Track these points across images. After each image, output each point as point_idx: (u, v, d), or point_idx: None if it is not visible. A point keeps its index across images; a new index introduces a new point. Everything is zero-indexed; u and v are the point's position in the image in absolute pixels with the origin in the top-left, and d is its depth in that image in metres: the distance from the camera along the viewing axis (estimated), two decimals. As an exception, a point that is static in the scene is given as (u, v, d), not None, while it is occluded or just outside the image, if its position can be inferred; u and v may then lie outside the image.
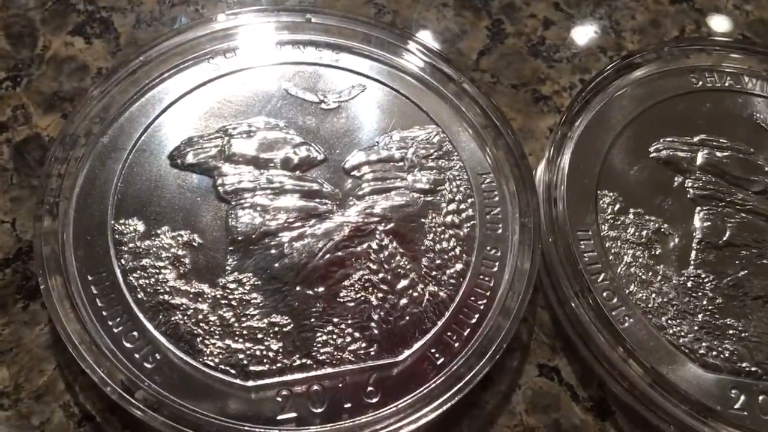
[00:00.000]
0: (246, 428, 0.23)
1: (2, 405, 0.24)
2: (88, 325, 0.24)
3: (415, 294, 0.26)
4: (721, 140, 0.30)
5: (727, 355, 0.26)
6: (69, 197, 0.26)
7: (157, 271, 0.25)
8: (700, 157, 0.30)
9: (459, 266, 0.26)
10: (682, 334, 0.26)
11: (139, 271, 0.25)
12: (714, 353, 0.26)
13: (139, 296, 0.25)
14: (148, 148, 0.28)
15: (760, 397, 0.25)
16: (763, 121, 0.31)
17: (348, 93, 0.30)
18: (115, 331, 0.24)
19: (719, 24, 0.34)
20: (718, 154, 0.30)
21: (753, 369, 0.25)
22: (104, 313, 0.24)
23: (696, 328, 0.26)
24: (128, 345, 0.24)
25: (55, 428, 0.24)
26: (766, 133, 0.31)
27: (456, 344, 0.25)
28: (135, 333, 0.24)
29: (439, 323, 0.25)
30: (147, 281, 0.25)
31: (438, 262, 0.27)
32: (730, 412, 0.25)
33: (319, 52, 0.30)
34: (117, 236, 0.26)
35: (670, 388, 0.25)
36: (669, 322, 0.26)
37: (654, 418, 0.25)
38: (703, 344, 0.26)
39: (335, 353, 0.24)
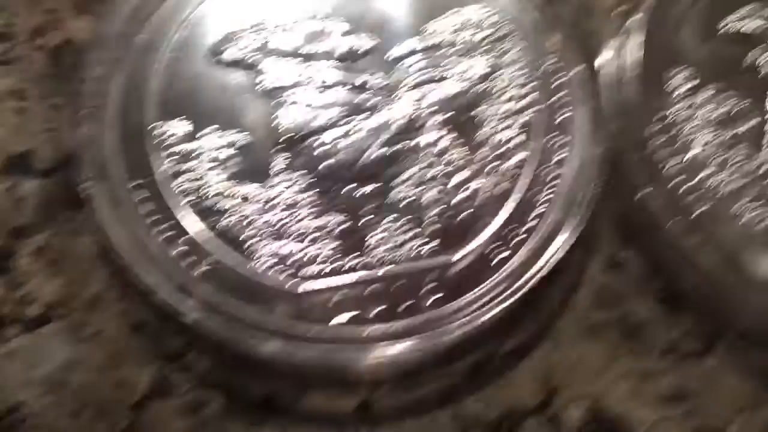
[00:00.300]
0: (302, 331, 0.22)
1: (56, 315, 0.24)
2: (137, 232, 0.24)
3: (473, 189, 0.25)
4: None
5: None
6: (108, 101, 0.26)
7: (203, 173, 0.25)
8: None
9: (521, 155, 0.26)
10: (760, 218, 0.25)
11: (184, 175, 0.25)
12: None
13: (186, 200, 0.24)
14: (185, 46, 0.27)
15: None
16: None
17: (394, -25, 0.28)
18: (164, 236, 0.24)
19: None
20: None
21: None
22: (150, 220, 0.24)
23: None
24: (178, 250, 0.24)
25: (109, 337, 0.24)
26: None
27: (514, 241, 0.24)
28: (183, 239, 0.24)
29: (500, 218, 0.25)
30: (194, 184, 0.25)
31: (498, 152, 0.26)
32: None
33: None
34: (160, 139, 0.25)
35: (747, 276, 0.24)
36: (745, 207, 0.25)
37: (729, 308, 0.25)
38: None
39: (389, 253, 0.24)
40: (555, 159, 0.25)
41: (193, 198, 0.24)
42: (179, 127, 0.25)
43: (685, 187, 0.25)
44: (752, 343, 0.25)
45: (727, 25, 0.28)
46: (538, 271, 0.24)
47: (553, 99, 0.26)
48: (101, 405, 0.23)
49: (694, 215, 0.25)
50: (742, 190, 0.25)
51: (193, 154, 0.25)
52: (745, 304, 0.24)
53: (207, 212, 0.24)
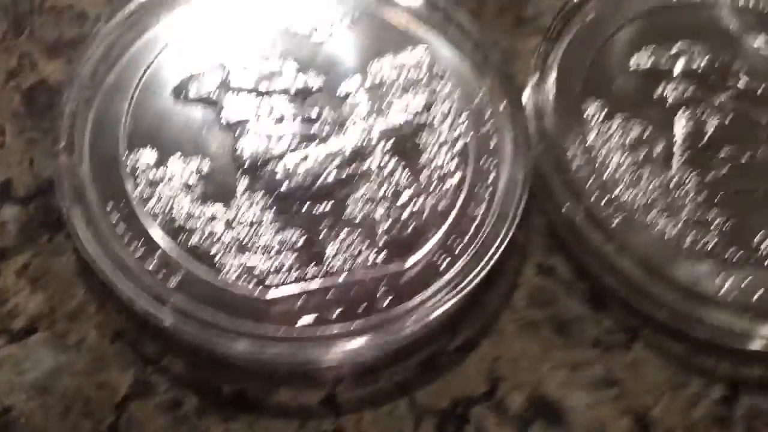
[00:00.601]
0: (270, 332, 0.25)
1: (40, 326, 0.26)
2: (113, 250, 0.26)
3: (417, 206, 0.28)
4: (698, 48, 0.32)
5: (712, 245, 0.28)
6: (82, 134, 0.28)
7: (172, 196, 0.27)
8: (679, 65, 0.32)
9: (456, 178, 0.29)
10: (669, 227, 0.28)
11: (155, 198, 0.27)
12: (699, 244, 0.28)
13: (158, 220, 0.27)
14: (152, 85, 0.30)
15: (746, 280, 0.27)
16: (734, 29, 0.33)
17: (339, 23, 0.31)
18: (138, 254, 0.26)
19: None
20: (696, 61, 0.32)
21: (737, 256, 0.28)
22: (125, 239, 0.26)
23: (682, 222, 0.28)
24: (151, 266, 0.26)
25: (91, 345, 0.26)
26: (736, 39, 0.33)
27: (457, 249, 0.27)
28: (156, 255, 0.26)
29: (441, 231, 0.28)
30: (163, 206, 0.27)
31: (436, 175, 0.29)
32: (718, 295, 0.27)
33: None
34: (131, 167, 0.28)
35: (660, 276, 0.27)
36: (656, 217, 0.28)
37: (645, 305, 0.28)
38: (690, 235, 0.28)
39: (345, 263, 0.27)
40: (488, 179, 0.29)
41: (164, 218, 0.27)
42: (149, 156, 0.28)
43: (603, 201, 0.29)
44: (668, 335, 0.28)
45: (636, 62, 0.32)
46: (478, 275, 0.26)
47: (483, 129, 0.30)
48: (86, 406, 0.25)
49: (611, 226, 0.28)
50: (654, 203, 0.29)
51: (162, 180, 0.28)
52: (657, 302, 0.28)
53: (177, 230, 0.27)
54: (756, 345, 0.27)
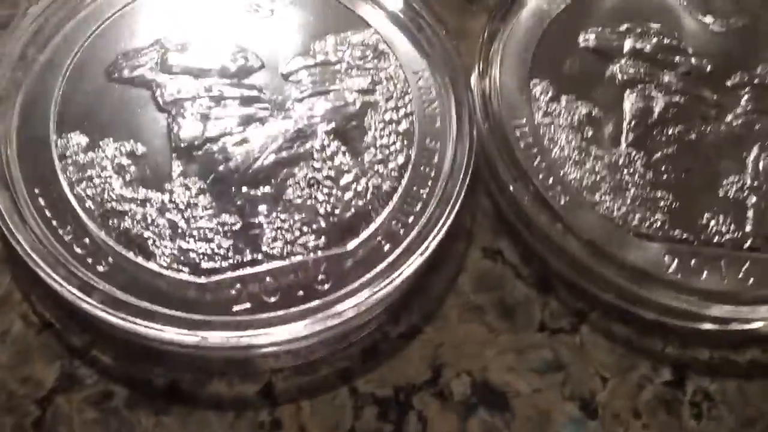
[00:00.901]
0: (203, 319, 0.23)
1: (-41, 318, 0.24)
2: (39, 236, 0.24)
3: (360, 188, 0.26)
4: (646, 27, 0.31)
5: (659, 224, 0.27)
6: (10, 116, 0.26)
7: (103, 180, 0.25)
8: (627, 44, 0.30)
9: (400, 159, 0.27)
10: (616, 207, 0.27)
11: (85, 182, 0.25)
12: (646, 224, 0.27)
13: (87, 205, 0.25)
14: (86, 65, 0.28)
15: (692, 261, 0.26)
16: (684, 7, 0.32)
17: (281, 1, 0.30)
18: (66, 239, 0.24)
19: None
20: (644, 40, 0.30)
21: (684, 236, 0.27)
22: (54, 223, 0.25)
23: (629, 201, 0.27)
24: (80, 251, 0.24)
25: (16, 337, 0.24)
26: (687, 18, 0.31)
27: (401, 231, 0.26)
28: (86, 240, 0.24)
29: (384, 213, 0.26)
30: (94, 191, 0.25)
31: (380, 156, 0.27)
32: (665, 276, 0.26)
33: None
34: (60, 150, 0.26)
35: (607, 257, 0.26)
36: (603, 197, 0.27)
37: (592, 287, 0.26)
38: (636, 215, 0.27)
39: (285, 247, 0.25)
40: (432, 160, 0.27)
41: (95, 202, 0.25)
42: (79, 139, 0.26)
43: (549, 181, 0.27)
44: (615, 318, 0.27)
45: (584, 41, 0.30)
46: (420, 259, 0.25)
47: (428, 109, 0.28)
48: (9, 401, 0.23)
49: (558, 206, 0.27)
50: (601, 183, 0.27)
51: (93, 163, 0.26)
52: (604, 283, 0.26)
53: (108, 215, 0.25)
54: (702, 326, 0.26)
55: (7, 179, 0.25)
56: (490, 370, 0.25)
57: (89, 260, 0.24)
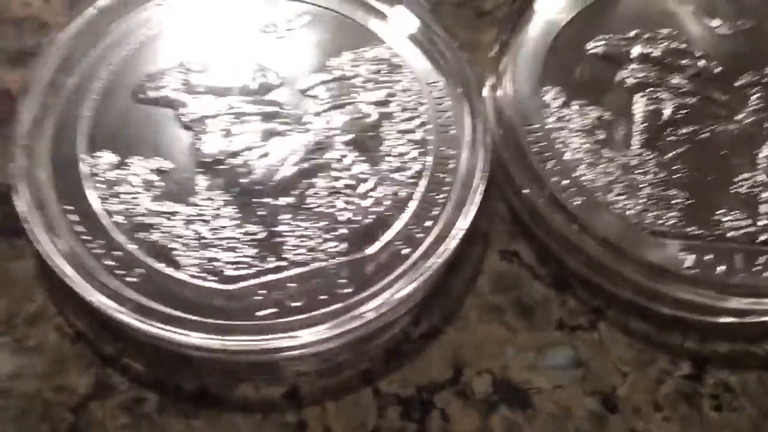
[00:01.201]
0: (231, 325, 0.23)
1: (1, 331, 0.24)
2: (72, 250, 0.24)
3: (378, 195, 0.26)
4: (653, 32, 0.30)
5: (673, 221, 0.26)
6: (41, 139, 0.27)
7: (132, 196, 0.26)
8: (636, 50, 0.30)
9: (416, 167, 0.27)
10: (629, 206, 0.27)
11: (114, 198, 0.26)
12: (661, 221, 0.26)
13: (117, 220, 0.25)
14: (113, 87, 0.28)
15: (708, 256, 0.26)
16: (691, 12, 0.31)
17: (297, 21, 0.30)
18: (97, 252, 0.25)
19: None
20: (652, 45, 0.30)
21: (699, 232, 0.26)
22: (85, 238, 0.25)
23: (642, 200, 0.27)
24: (111, 263, 0.24)
25: (51, 348, 0.24)
26: (695, 23, 0.31)
27: (419, 236, 0.25)
28: (116, 252, 0.25)
29: (402, 220, 0.26)
30: (123, 206, 0.25)
31: (397, 164, 0.27)
32: (682, 271, 0.25)
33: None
34: (91, 168, 0.26)
35: (623, 255, 0.26)
36: (617, 197, 0.27)
37: (609, 285, 0.26)
38: (650, 214, 0.26)
39: (307, 253, 0.25)
40: (447, 167, 0.27)
41: (124, 217, 0.25)
42: (107, 157, 0.26)
43: (563, 184, 0.27)
44: (632, 314, 0.26)
45: (593, 48, 0.30)
46: (438, 262, 0.25)
47: (442, 118, 0.28)
48: (45, 408, 0.23)
49: (572, 207, 0.27)
50: (614, 184, 0.27)
51: (122, 180, 0.26)
52: (622, 280, 0.26)
53: (136, 228, 0.25)
54: (720, 319, 0.25)
55: (40, 199, 0.25)
56: (511, 369, 0.25)
57: (120, 272, 0.24)
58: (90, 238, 0.25)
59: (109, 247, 0.25)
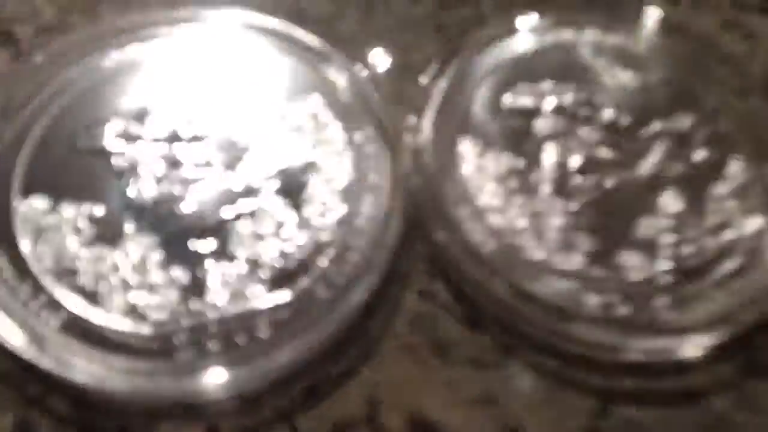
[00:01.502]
0: (151, 367, 0.23)
1: None
2: (-1, 294, 0.24)
3: (300, 240, 0.26)
4: (565, 85, 0.31)
5: (578, 265, 0.27)
6: (-25, 185, 0.26)
7: (61, 241, 0.26)
8: (549, 102, 0.31)
9: (337, 213, 0.27)
10: (538, 251, 0.27)
11: (43, 243, 0.25)
12: (566, 265, 0.27)
13: (44, 265, 0.25)
14: (51, 137, 0.28)
15: (610, 298, 0.26)
16: (603, 64, 0.32)
17: (230, 70, 0.30)
18: (22, 297, 0.24)
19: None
20: (563, 97, 0.31)
21: (602, 275, 0.27)
22: (13, 282, 0.24)
23: (550, 245, 0.27)
24: (36, 307, 0.24)
25: (-27, 390, 0.24)
26: (605, 75, 0.32)
27: (338, 279, 0.26)
28: (42, 297, 0.24)
29: (322, 263, 0.26)
30: (51, 251, 0.25)
31: (319, 211, 0.27)
32: (586, 312, 0.26)
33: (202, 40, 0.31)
34: (23, 213, 0.26)
35: (530, 297, 0.26)
36: (525, 242, 0.27)
37: (519, 323, 0.26)
38: (556, 258, 0.27)
39: (228, 297, 0.25)
40: (367, 213, 0.27)
41: (52, 261, 0.25)
42: (40, 202, 0.26)
43: (476, 229, 0.27)
44: (541, 351, 0.26)
45: (507, 101, 0.31)
46: (356, 304, 0.25)
47: (365, 165, 0.28)
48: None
49: (484, 252, 0.27)
50: (524, 229, 0.28)
51: (53, 225, 0.26)
52: (530, 321, 0.26)
53: (64, 272, 0.25)
54: (624, 357, 0.26)
55: (-30, 242, 0.25)
56: (425, 406, 0.25)
57: (44, 315, 0.24)
58: (18, 280, 0.24)
59: (37, 290, 0.24)
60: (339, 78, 0.31)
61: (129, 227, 0.26)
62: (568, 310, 0.26)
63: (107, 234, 0.26)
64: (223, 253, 0.26)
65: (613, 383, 0.26)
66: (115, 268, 0.25)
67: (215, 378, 0.24)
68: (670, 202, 0.29)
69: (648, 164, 0.30)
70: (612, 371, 0.26)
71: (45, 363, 0.23)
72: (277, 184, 0.28)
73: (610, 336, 0.26)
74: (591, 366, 0.26)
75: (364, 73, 0.31)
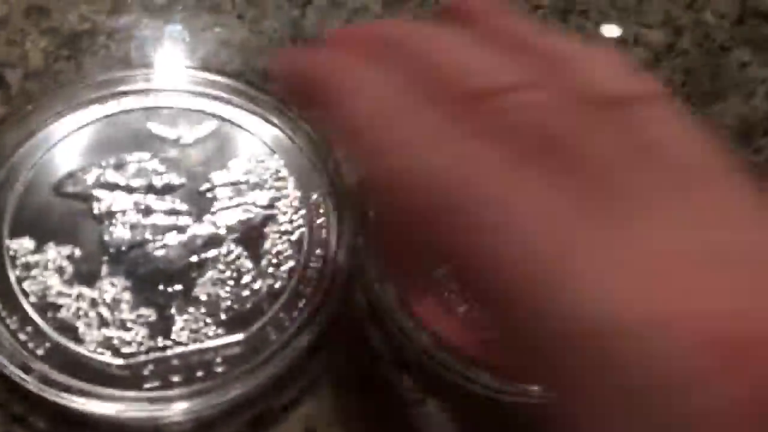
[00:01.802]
0: (121, 394, 0.27)
1: None
2: (-11, 325, 0.28)
3: (256, 286, 0.31)
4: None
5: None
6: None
7: (45, 279, 0.29)
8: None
9: (291, 263, 0.31)
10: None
11: (30, 280, 0.29)
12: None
13: (31, 299, 0.29)
14: (37, 182, 0.32)
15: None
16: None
17: (203, 131, 0.34)
18: (12, 327, 0.28)
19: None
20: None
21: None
22: (3, 314, 0.28)
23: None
24: (23, 337, 0.28)
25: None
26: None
27: (287, 323, 0.30)
28: (28, 328, 0.28)
29: (274, 308, 0.30)
30: (37, 287, 0.29)
31: (275, 261, 0.31)
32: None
33: (179, 97, 0.35)
34: (11, 252, 0.30)
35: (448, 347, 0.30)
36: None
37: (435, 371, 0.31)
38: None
39: (190, 335, 0.29)
40: (317, 264, 0.32)
41: (36, 297, 0.29)
42: (26, 243, 0.30)
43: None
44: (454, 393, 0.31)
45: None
46: (302, 346, 0.29)
47: (317, 222, 0.33)
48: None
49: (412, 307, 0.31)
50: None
51: (38, 264, 0.30)
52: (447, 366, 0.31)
53: (47, 307, 0.29)
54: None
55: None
56: (355, 434, 0.29)
57: (30, 345, 0.27)
58: (7, 314, 0.28)
59: (23, 323, 0.28)
60: (298, 138, 0.35)
61: (104, 269, 0.30)
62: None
63: (85, 274, 0.30)
64: (187, 296, 0.30)
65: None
66: (93, 305, 0.29)
67: (177, 405, 0.28)
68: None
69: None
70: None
71: (29, 386, 0.27)
72: (238, 235, 0.32)
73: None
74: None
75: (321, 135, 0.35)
